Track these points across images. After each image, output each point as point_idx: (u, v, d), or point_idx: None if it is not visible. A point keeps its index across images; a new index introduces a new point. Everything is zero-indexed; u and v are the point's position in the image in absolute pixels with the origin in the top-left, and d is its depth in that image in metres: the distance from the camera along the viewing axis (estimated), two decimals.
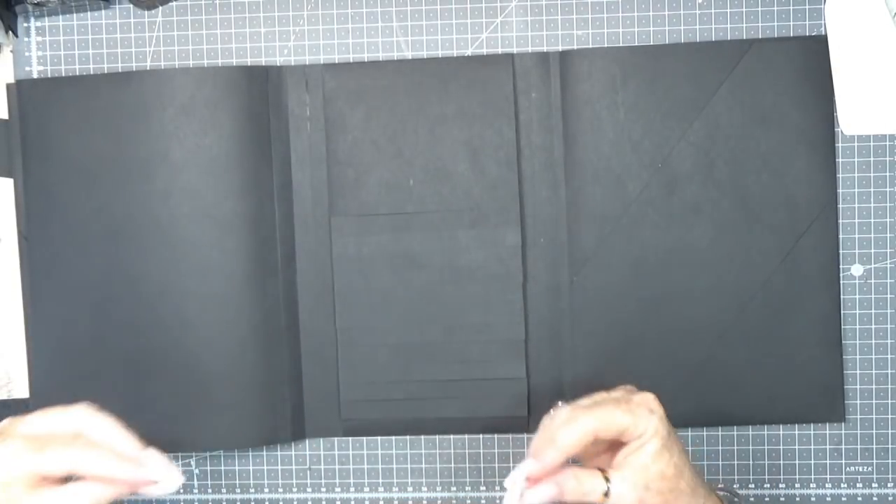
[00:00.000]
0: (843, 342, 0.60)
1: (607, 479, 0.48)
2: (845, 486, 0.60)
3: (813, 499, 0.60)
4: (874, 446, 0.60)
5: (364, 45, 0.61)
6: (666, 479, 0.48)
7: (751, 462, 0.60)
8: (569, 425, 0.47)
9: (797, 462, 0.60)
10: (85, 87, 0.60)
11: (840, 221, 0.59)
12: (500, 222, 0.60)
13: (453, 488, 0.62)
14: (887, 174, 0.59)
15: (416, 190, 0.60)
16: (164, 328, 0.60)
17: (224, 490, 0.62)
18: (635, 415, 0.48)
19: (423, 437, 0.62)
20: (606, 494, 0.48)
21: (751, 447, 0.60)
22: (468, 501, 0.62)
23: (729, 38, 0.60)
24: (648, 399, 0.49)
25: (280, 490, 0.62)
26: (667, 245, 0.59)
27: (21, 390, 0.63)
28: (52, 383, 0.61)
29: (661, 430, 0.48)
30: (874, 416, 0.60)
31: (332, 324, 0.61)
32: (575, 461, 0.50)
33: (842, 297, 0.59)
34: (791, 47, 0.59)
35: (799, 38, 0.59)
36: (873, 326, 0.60)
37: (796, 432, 0.60)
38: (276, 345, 0.60)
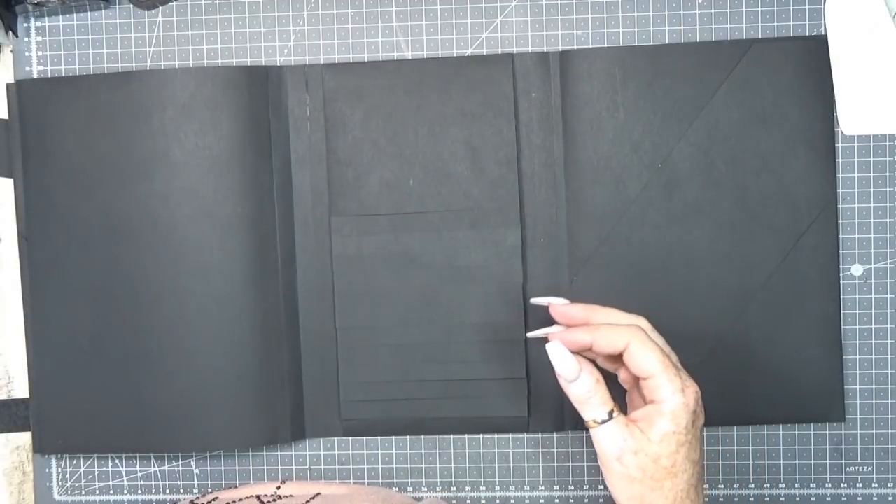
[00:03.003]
0: (843, 342, 0.60)
1: (611, 414, 0.49)
2: (845, 486, 0.60)
3: (813, 499, 0.60)
4: (874, 446, 0.60)
5: (364, 45, 0.61)
6: (657, 466, 0.48)
7: (751, 462, 0.60)
8: (616, 329, 0.49)
9: (797, 462, 0.60)
10: (85, 87, 0.60)
11: (840, 221, 0.59)
12: (500, 222, 0.60)
13: (453, 488, 0.62)
14: (887, 174, 0.59)
15: (416, 190, 0.60)
16: (164, 328, 0.60)
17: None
18: (670, 381, 0.48)
19: (423, 437, 0.62)
20: (602, 422, 0.49)
21: (751, 447, 0.60)
22: (468, 501, 0.62)
23: (729, 38, 0.60)
24: (693, 389, 0.49)
25: None
26: (667, 245, 0.59)
27: (21, 390, 0.63)
28: (52, 383, 0.61)
29: (682, 420, 0.48)
30: (874, 416, 0.60)
31: (332, 324, 0.61)
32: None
33: (842, 297, 0.59)
34: (791, 47, 0.59)
35: (799, 38, 0.59)
36: (873, 326, 0.60)
37: (796, 432, 0.60)
38: (276, 345, 0.60)
